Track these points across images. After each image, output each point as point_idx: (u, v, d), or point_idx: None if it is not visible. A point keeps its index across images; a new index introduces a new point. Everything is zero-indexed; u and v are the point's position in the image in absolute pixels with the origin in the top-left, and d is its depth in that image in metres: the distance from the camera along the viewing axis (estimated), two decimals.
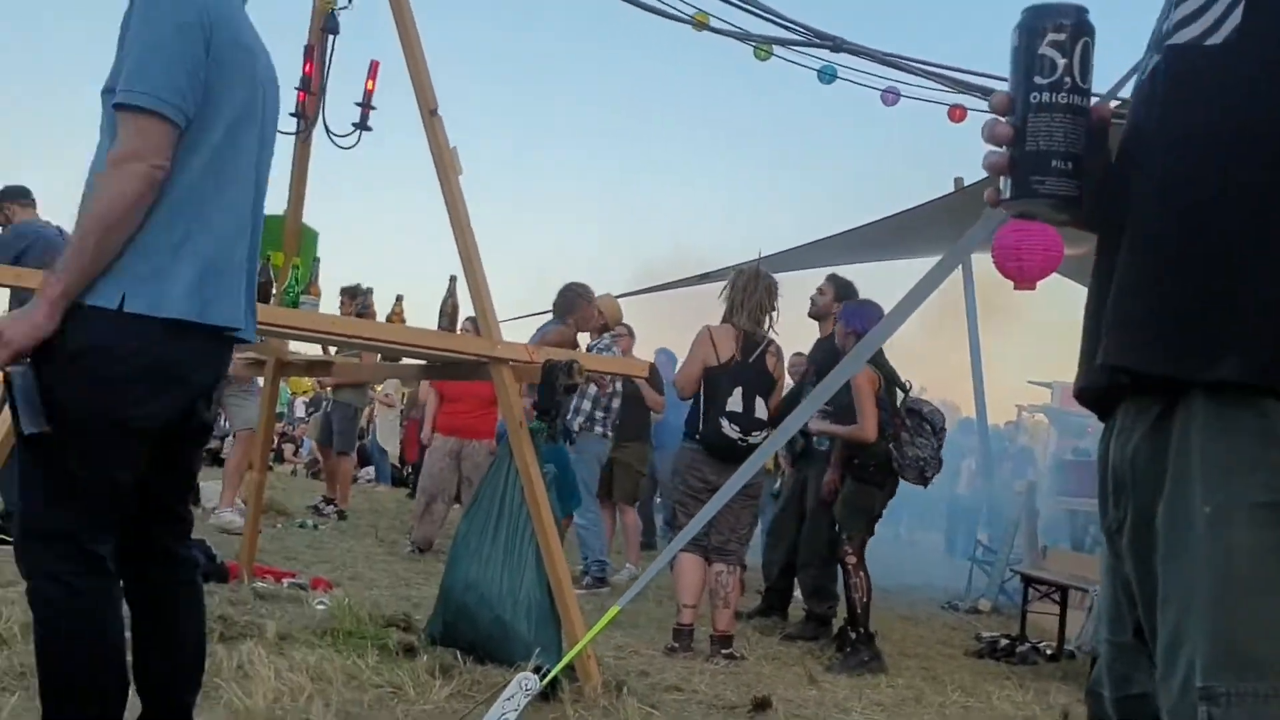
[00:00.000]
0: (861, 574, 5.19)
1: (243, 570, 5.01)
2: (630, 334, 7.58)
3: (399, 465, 14.80)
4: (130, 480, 2.19)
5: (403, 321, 4.11)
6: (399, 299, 4.11)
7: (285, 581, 5.21)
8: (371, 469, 14.56)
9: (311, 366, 5.64)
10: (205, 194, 2.18)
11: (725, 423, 4.91)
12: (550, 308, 6.59)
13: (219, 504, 7.57)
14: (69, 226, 2.73)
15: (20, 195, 6.19)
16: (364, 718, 3.22)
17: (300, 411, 17.94)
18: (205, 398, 2.37)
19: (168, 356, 2.14)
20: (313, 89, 4.16)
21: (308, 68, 4.14)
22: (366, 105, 4.13)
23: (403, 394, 14.22)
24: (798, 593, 6.35)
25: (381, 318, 4.14)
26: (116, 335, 2.09)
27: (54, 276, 2.07)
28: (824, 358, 5.77)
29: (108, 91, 2.13)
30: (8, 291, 3.95)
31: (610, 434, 6.96)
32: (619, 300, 7.78)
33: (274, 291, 3.80)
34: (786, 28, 7.06)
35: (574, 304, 6.52)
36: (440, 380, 7.44)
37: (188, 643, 2.40)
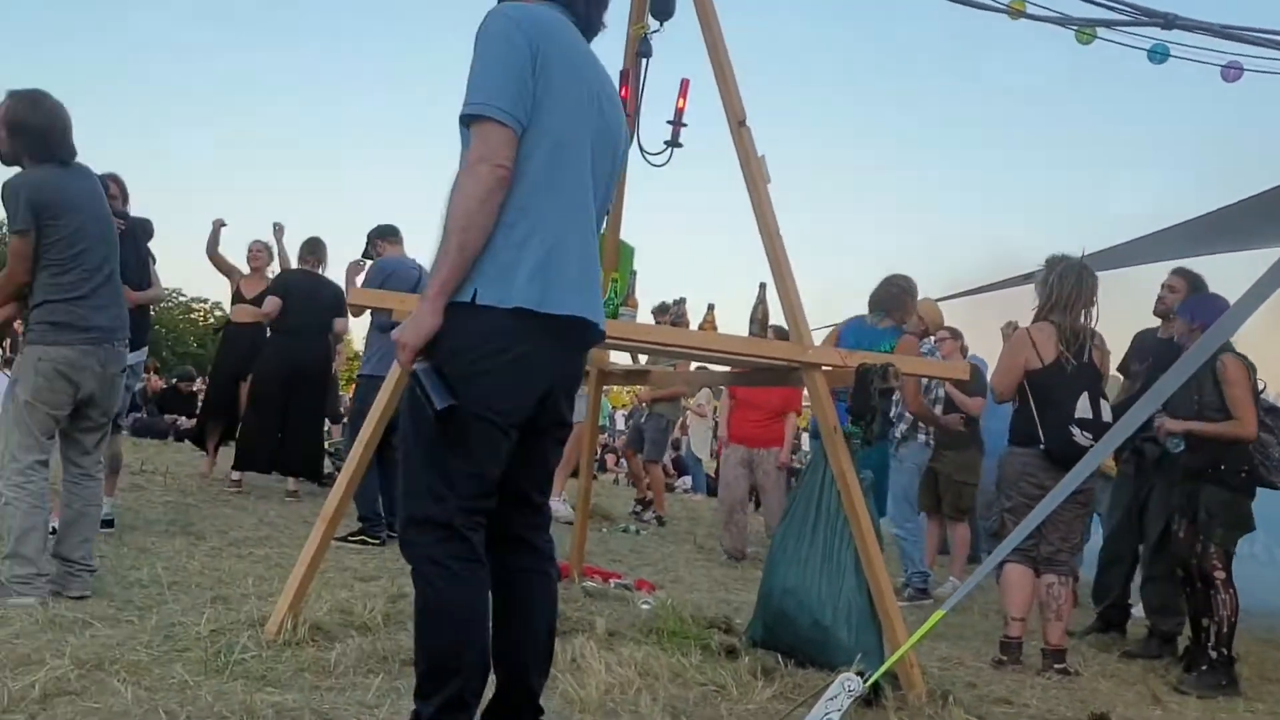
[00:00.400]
0: (1231, 590, 4.74)
1: (573, 569, 5.30)
2: (954, 336, 7.30)
3: (714, 476, 15.11)
4: (498, 472, 2.38)
5: (714, 329, 4.20)
6: (710, 308, 4.21)
7: (612, 582, 5.46)
8: (688, 479, 14.94)
9: (630, 375, 5.86)
10: (541, 199, 2.36)
11: (1076, 431, 4.55)
12: (868, 306, 6.44)
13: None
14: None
15: (389, 234, 6.89)
16: (689, 713, 3.31)
17: (620, 424, 18.73)
18: (564, 393, 2.53)
19: (518, 346, 2.32)
20: (628, 111, 4.35)
21: (623, 92, 4.33)
22: (678, 123, 4.28)
23: (714, 405, 14.50)
24: (1136, 609, 5.90)
25: (694, 327, 4.25)
26: (473, 329, 2.30)
27: (433, 278, 2.32)
28: (1162, 355, 5.33)
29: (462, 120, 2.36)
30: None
31: (932, 442, 6.76)
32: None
33: None
34: (1111, 8, 6.62)
35: (900, 300, 6.31)
36: (744, 387, 7.50)
37: (540, 629, 2.55)
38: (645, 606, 4.76)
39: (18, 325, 4.44)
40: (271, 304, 7.74)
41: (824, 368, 4.01)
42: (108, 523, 5.35)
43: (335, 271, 8.09)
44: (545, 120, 2.35)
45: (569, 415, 2.62)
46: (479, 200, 2.26)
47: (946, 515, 7.23)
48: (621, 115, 2.69)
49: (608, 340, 4.02)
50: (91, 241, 4.01)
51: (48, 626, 3.50)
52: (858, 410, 3.95)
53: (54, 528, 5.15)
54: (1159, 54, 6.81)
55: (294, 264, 8.24)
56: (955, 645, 5.03)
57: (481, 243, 2.29)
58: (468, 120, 2.32)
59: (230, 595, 4.30)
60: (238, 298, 8.57)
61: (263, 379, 7.81)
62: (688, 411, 14.04)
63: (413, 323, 2.31)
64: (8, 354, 20.06)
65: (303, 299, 7.76)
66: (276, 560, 5.26)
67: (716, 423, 15.79)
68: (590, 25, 2.62)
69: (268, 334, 8.05)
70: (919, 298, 6.52)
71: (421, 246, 8.04)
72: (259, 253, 8.62)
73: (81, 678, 2.96)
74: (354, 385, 6.94)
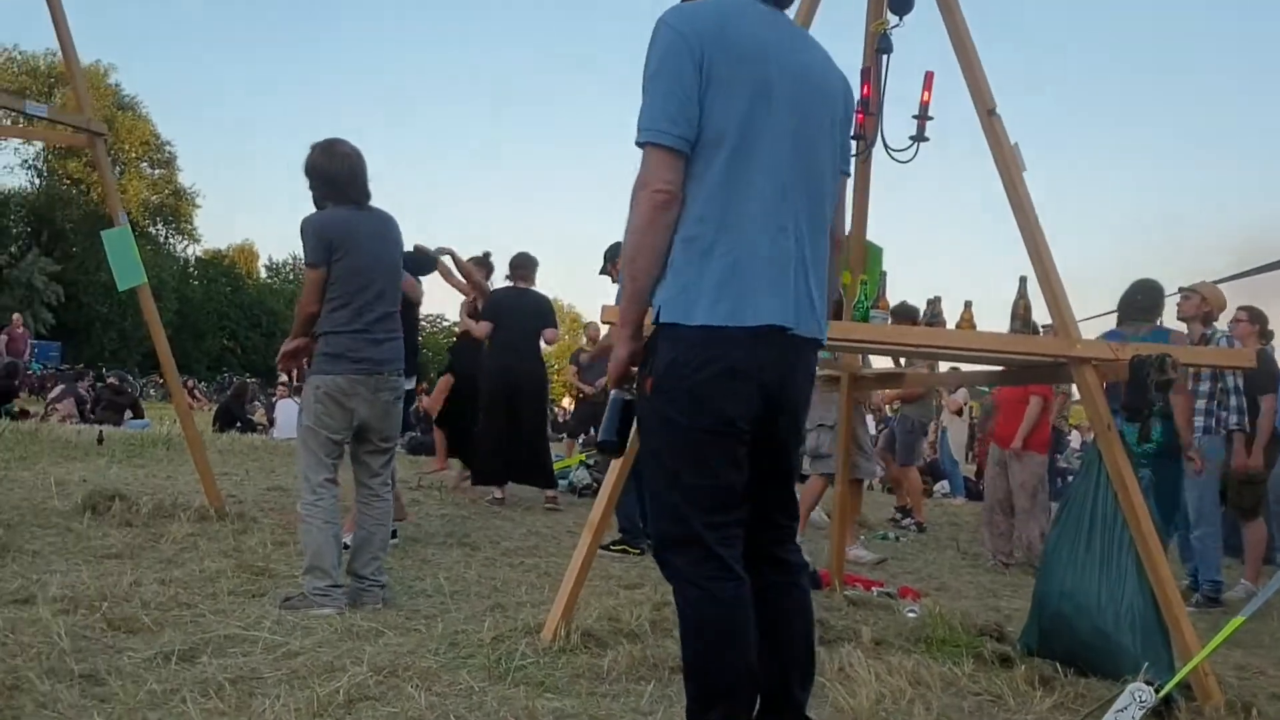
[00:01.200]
0: None
1: (833, 578, 5.24)
2: (1252, 319, 6.69)
3: (974, 479, 14.55)
4: (739, 484, 2.37)
5: (972, 327, 4.06)
6: (967, 305, 4.07)
7: (874, 590, 5.36)
8: (945, 483, 14.46)
9: (884, 379, 5.75)
10: (724, 204, 2.29)
11: None
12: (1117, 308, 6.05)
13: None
14: None
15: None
16: None
17: (871, 428, 18.34)
18: (790, 401, 2.43)
19: (720, 358, 2.27)
20: (871, 109, 4.29)
21: (865, 90, 4.27)
22: (923, 117, 4.17)
23: (972, 406, 13.97)
24: None
25: (951, 326, 4.11)
26: (665, 347, 2.31)
27: (620, 305, 2.39)
28: None
29: None
30: None
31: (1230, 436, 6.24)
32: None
33: (844, 308, 3.96)
34: None
35: (1156, 301, 5.94)
36: (1004, 386, 7.21)
37: (798, 641, 2.51)
38: (912, 614, 4.64)
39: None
40: (483, 327, 8.07)
41: (1094, 362, 3.79)
42: (391, 534, 5.73)
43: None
44: (720, 125, 2.28)
45: (802, 425, 2.58)
46: (641, 228, 2.27)
47: (1237, 514, 6.67)
48: (831, 76, 2.51)
49: (861, 344, 3.96)
50: (369, 278, 4.31)
51: (346, 635, 3.78)
52: (1133, 406, 3.72)
53: (346, 543, 5.60)
54: None
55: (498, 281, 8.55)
56: (1252, 654, 4.63)
57: (653, 268, 2.30)
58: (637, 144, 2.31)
59: (506, 603, 4.51)
60: (471, 313, 8.89)
61: (488, 394, 8.11)
62: (943, 413, 13.58)
63: (613, 350, 2.45)
64: (296, 383, 21.91)
65: (514, 314, 8.05)
66: (546, 569, 5.48)
67: (973, 423, 15.24)
68: None
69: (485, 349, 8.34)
70: (1198, 281, 6.09)
71: None
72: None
73: (379, 684, 3.18)
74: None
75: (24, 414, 14.66)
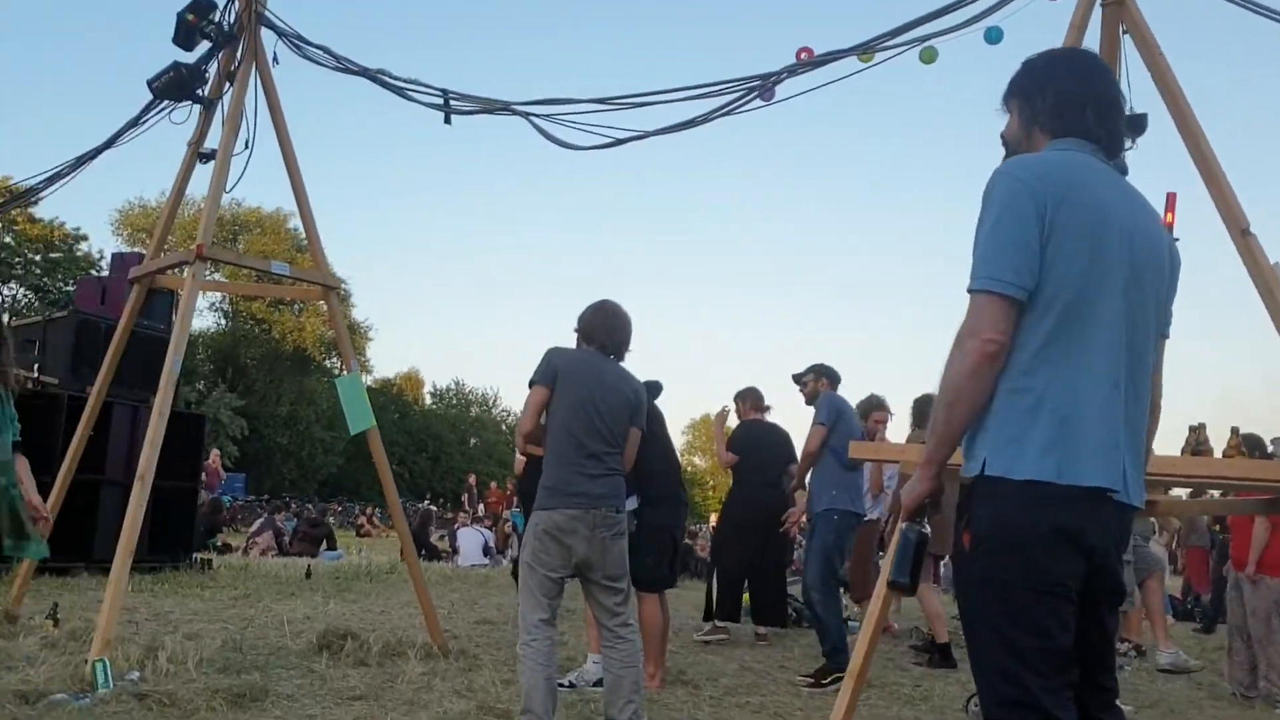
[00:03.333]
0: None
1: None
2: None
3: (1179, 597, 13.70)
4: (1069, 643, 2.25)
5: (1240, 454, 3.88)
6: (1234, 431, 3.90)
7: None
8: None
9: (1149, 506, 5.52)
10: (1056, 357, 2.25)
11: None
12: None
13: (1159, 645, 8.33)
14: None
15: (830, 375, 7.16)
16: None
17: None
18: (1110, 558, 2.34)
19: (1045, 516, 2.20)
20: None
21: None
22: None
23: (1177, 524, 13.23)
24: None
25: (1217, 452, 3.94)
26: (986, 504, 2.24)
27: (927, 445, 2.35)
28: None
29: None
30: None
31: None
32: None
33: None
34: None
35: None
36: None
37: None
38: None
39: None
40: (728, 458, 8.09)
41: None
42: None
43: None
44: (1057, 282, 2.25)
45: (1121, 580, 2.47)
46: (965, 375, 2.23)
47: None
48: (1162, 239, 2.48)
49: (1158, 477, 3.81)
50: (588, 415, 4.37)
51: None
52: None
53: (570, 681, 5.61)
54: None
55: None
56: None
57: (969, 417, 2.26)
58: (968, 291, 2.29)
59: None
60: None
61: (736, 525, 8.11)
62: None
63: (910, 485, 2.39)
64: (475, 511, 22.37)
65: (760, 449, 8.05)
66: (775, 709, 5.38)
67: (1174, 535, 14.40)
68: (1110, 146, 2.47)
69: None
70: None
71: None
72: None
73: None
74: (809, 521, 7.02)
75: (227, 548, 15.38)
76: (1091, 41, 4.36)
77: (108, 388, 6.70)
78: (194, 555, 10.96)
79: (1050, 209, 2.25)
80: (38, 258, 42.58)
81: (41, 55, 61.61)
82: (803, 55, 4.83)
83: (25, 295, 42.58)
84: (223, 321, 50.16)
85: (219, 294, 48.59)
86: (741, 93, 5.02)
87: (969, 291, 2.28)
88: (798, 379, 7.17)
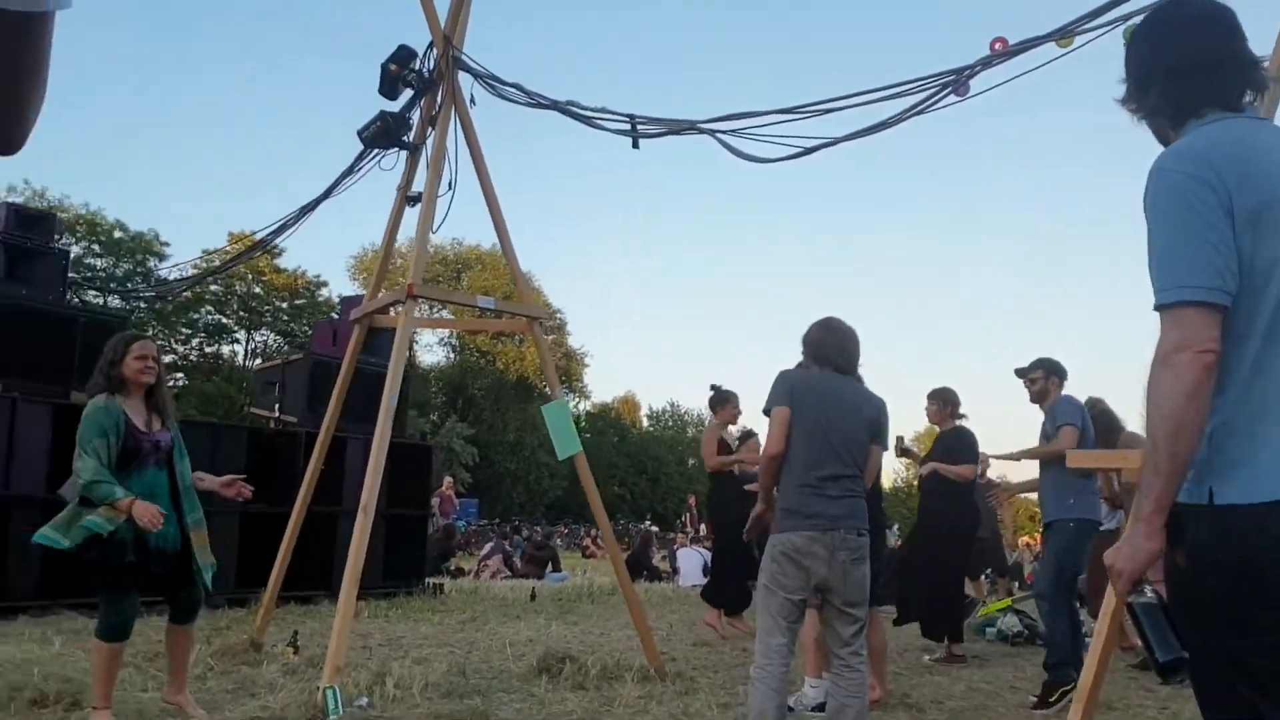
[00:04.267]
0: None
1: None
2: None
3: None
4: None
5: None
6: None
7: None
8: None
9: None
10: (1271, 363, 1.99)
11: None
12: None
13: None
14: None
15: (1060, 371, 6.77)
16: None
17: None
18: None
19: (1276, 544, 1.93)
20: None
21: None
22: None
23: None
24: None
25: None
26: (1215, 533, 1.97)
27: (1145, 495, 2.02)
28: None
29: None
30: None
31: None
32: None
33: None
34: None
35: None
36: None
37: None
38: None
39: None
40: (966, 469, 7.81)
41: None
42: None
43: None
44: (1259, 274, 1.98)
45: None
46: (1185, 397, 1.95)
47: None
48: None
49: None
50: (824, 436, 4.28)
51: None
52: None
53: (791, 705, 5.47)
54: None
55: None
56: None
57: (1196, 443, 1.97)
58: (1159, 308, 2.02)
59: None
60: None
61: (926, 532, 7.88)
62: None
63: (1128, 545, 2.05)
64: (694, 531, 22.49)
65: (958, 457, 7.74)
66: None
67: None
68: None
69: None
70: None
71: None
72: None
73: None
74: (1041, 531, 6.63)
75: (460, 571, 16.01)
76: None
77: (336, 423, 7.05)
78: (426, 580, 11.44)
79: (1236, 200, 1.98)
80: (284, 305, 46.27)
81: (289, 126, 66.92)
82: (997, 46, 4.57)
83: (275, 340, 46.20)
84: (451, 355, 52.70)
85: (446, 330, 51.13)
86: (934, 89, 4.80)
87: (1158, 309, 2.01)
88: (1023, 374, 6.78)
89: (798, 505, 4.24)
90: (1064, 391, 6.60)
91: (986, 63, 4.67)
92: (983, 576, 12.26)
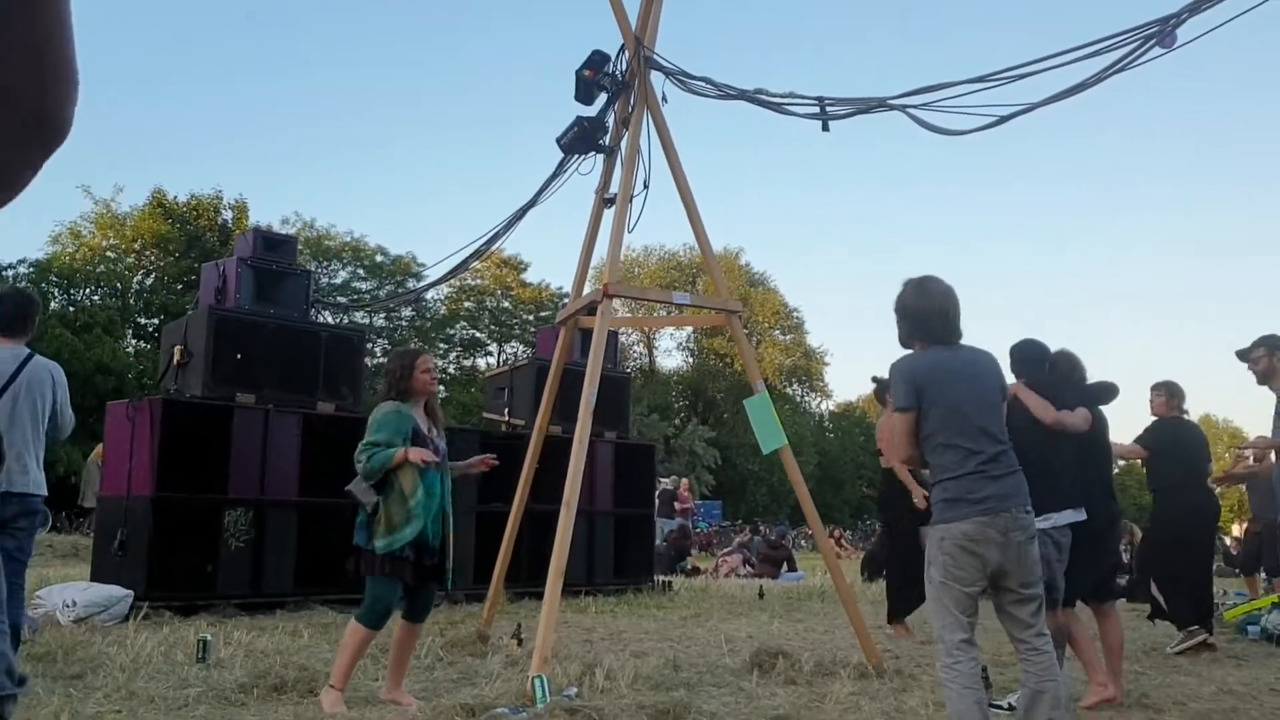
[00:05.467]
0: None
1: None
2: None
3: None
4: None
5: None
6: None
7: None
8: None
9: None
10: None
11: None
12: None
13: None
14: None
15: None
16: None
17: None
18: None
19: None
20: None
21: None
22: None
23: None
24: None
25: None
26: None
27: None
28: None
29: None
30: None
31: None
32: None
33: None
34: None
35: None
36: None
37: None
38: None
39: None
40: (1134, 450, 7.31)
41: None
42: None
43: None
44: None
45: None
46: None
47: None
48: None
49: None
50: (967, 416, 4.03)
51: None
52: None
53: (1009, 704, 5.17)
54: None
55: None
56: None
57: None
58: None
59: None
60: None
61: (1175, 535, 7.36)
62: None
63: None
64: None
65: (1180, 449, 7.28)
66: None
67: None
68: None
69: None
70: None
71: None
72: None
73: None
74: None
75: (695, 570, 16.14)
76: None
77: (548, 423, 7.26)
78: (656, 578, 11.59)
79: None
80: (530, 317, 48.26)
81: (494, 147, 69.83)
82: None
83: (525, 351, 48.25)
84: (690, 359, 53.32)
85: (684, 335, 51.77)
86: (1136, 43, 4.43)
87: None
88: (1244, 355, 6.17)
89: (962, 492, 3.97)
90: None
91: (1194, 8, 4.26)
92: (1259, 573, 11.23)
